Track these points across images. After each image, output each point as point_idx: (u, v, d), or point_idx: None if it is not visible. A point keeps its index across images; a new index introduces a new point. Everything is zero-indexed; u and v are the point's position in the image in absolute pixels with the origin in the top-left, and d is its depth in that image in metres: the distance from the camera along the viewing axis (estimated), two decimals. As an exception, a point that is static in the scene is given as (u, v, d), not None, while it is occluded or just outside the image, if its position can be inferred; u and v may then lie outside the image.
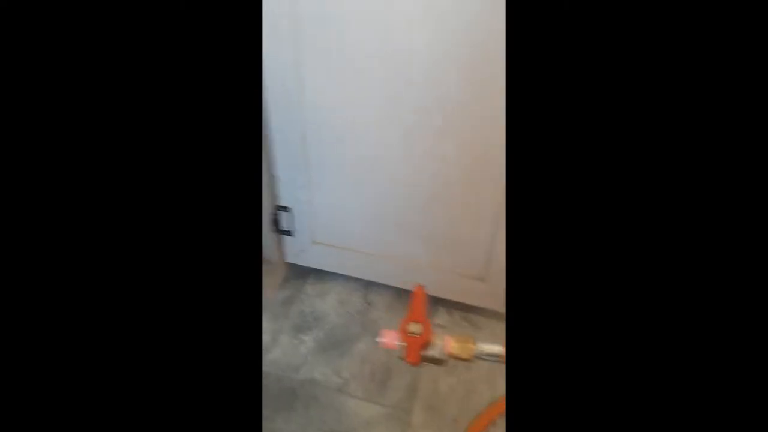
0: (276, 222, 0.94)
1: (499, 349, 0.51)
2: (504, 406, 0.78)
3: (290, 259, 0.99)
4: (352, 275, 0.99)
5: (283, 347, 0.86)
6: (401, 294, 0.98)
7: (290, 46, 0.71)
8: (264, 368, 0.82)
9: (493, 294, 0.88)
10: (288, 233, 0.95)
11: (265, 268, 1.00)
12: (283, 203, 0.91)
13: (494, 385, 0.81)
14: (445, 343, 0.49)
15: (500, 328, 0.92)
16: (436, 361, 0.50)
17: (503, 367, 0.85)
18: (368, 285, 1.00)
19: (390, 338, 0.50)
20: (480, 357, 0.50)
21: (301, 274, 1.03)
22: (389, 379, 0.81)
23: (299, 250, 0.97)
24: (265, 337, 0.88)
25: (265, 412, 0.74)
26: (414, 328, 0.49)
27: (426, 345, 0.49)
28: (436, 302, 0.97)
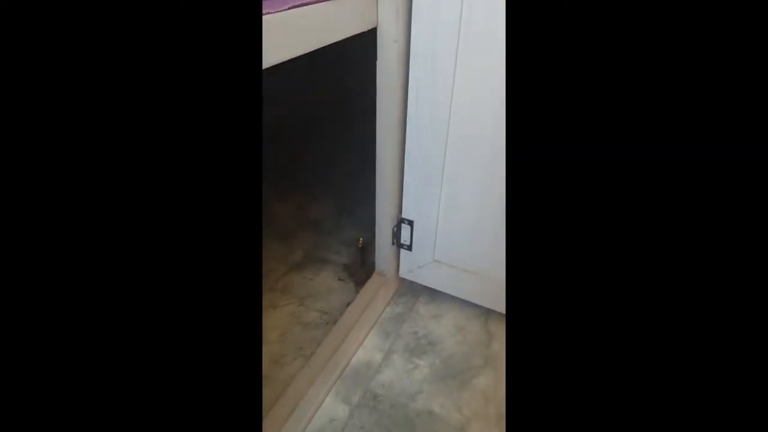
0: (396, 234, 0.89)
1: None
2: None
3: (405, 275, 0.94)
4: (470, 300, 0.91)
5: (396, 369, 0.80)
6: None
7: (448, 71, 0.66)
8: (376, 390, 0.76)
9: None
10: (407, 247, 0.90)
11: (378, 280, 0.96)
12: (407, 216, 0.86)
13: None
14: None
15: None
16: None
17: None
18: (488, 313, 0.91)
19: None
20: None
21: (412, 290, 0.97)
22: (517, 426, 0.70)
23: (416, 266, 0.92)
24: (377, 355, 0.82)
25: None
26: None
27: None
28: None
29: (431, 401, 0.74)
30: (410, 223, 0.86)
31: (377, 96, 0.75)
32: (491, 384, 0.77)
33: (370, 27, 0.68)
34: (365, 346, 0.84)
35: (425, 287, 0.95)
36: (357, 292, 0.95)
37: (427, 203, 0.82)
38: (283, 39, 0.51)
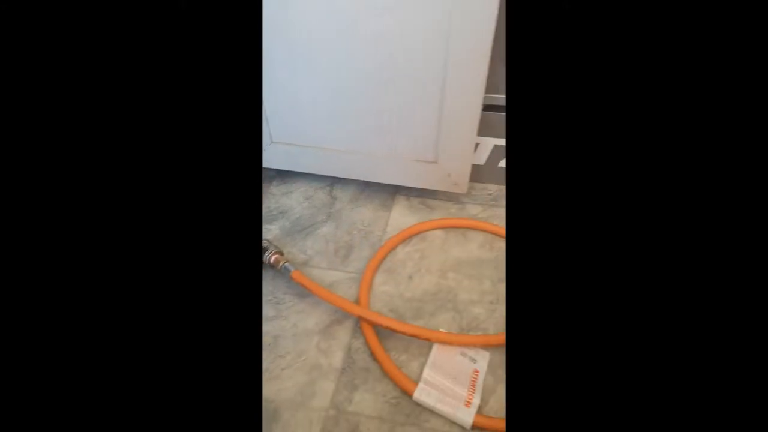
0: (235, 124, 0.97)
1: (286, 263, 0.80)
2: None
3: (254, 162, 1.04)
4: (317, 173, 1.03)
5: (252, 236, 0.92)
6: (363, 187, 1.04)
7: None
8: (235, 254, 0.88)
9: (445, 175, 0.94)
10: (248, 134, 0.99)
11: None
12: (239, 103, 0.94)
13: (446, 249, 0.89)
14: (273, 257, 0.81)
15: (454, 208, 0.98)
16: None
17: (451, 236, 0.93)
18: (334, 181, 1.05)
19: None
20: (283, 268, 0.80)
21: (265, 177, 1.07)
22: (351, 253, 0.88)
23: (262, 151, 1.01)
24: (236, 230, 0.94)
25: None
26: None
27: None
28: (397, 190, 1.03)
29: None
30: (242, 109, 0.94)
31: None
32: (332, 231, 0.93)
33: None
34: (225, 226, 0.95)
35: (277, 171, 1.06)
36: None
37: (251, 87, 0.90)
38: None
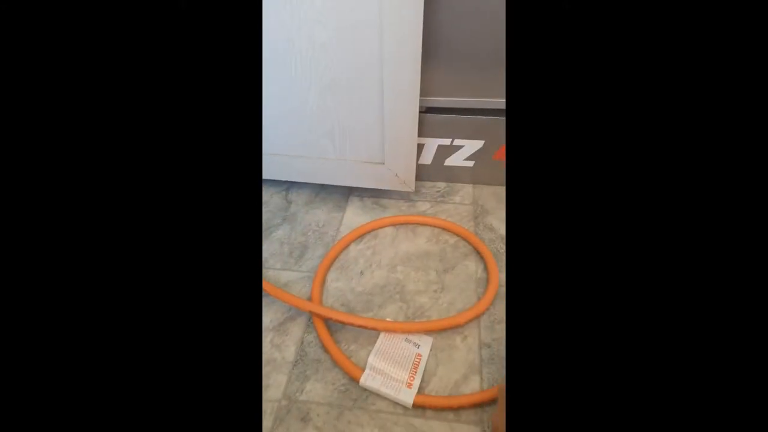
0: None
1: None
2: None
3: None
4: (271, 178, 1.07)
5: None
6: (318, 189, 1.08)
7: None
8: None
9: (392, 175, 0.99)
10: (203, 144, 1.02)
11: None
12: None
13: (396, 245, 0.94)
14: None
15: (405, 206, 1.04)
16: None
17: (401, 232, 0.98)
18: (290, 186, 1.09)
19: None
20: None
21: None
22: (305, 254, 0.92)
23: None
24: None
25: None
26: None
27: None
28: (351, 191, 1.08)
29: (237, 254, 0.91)
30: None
31: None
32: (287, 233, 0.97)
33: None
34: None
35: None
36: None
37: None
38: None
